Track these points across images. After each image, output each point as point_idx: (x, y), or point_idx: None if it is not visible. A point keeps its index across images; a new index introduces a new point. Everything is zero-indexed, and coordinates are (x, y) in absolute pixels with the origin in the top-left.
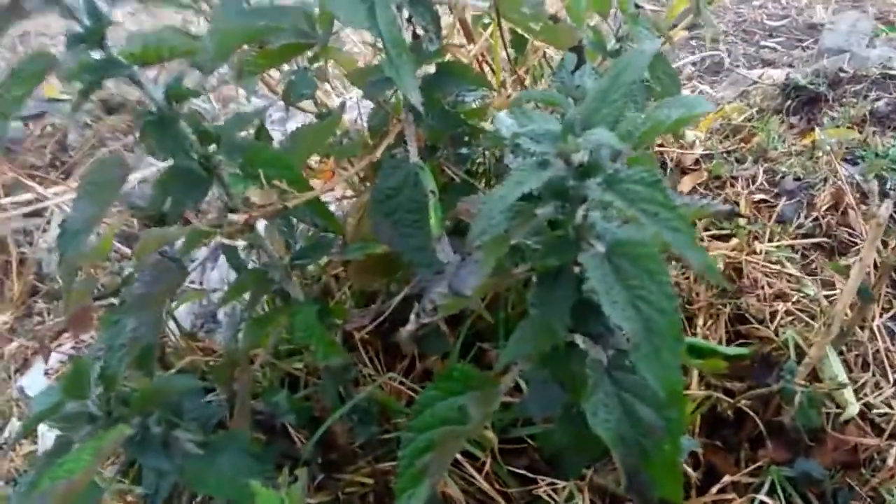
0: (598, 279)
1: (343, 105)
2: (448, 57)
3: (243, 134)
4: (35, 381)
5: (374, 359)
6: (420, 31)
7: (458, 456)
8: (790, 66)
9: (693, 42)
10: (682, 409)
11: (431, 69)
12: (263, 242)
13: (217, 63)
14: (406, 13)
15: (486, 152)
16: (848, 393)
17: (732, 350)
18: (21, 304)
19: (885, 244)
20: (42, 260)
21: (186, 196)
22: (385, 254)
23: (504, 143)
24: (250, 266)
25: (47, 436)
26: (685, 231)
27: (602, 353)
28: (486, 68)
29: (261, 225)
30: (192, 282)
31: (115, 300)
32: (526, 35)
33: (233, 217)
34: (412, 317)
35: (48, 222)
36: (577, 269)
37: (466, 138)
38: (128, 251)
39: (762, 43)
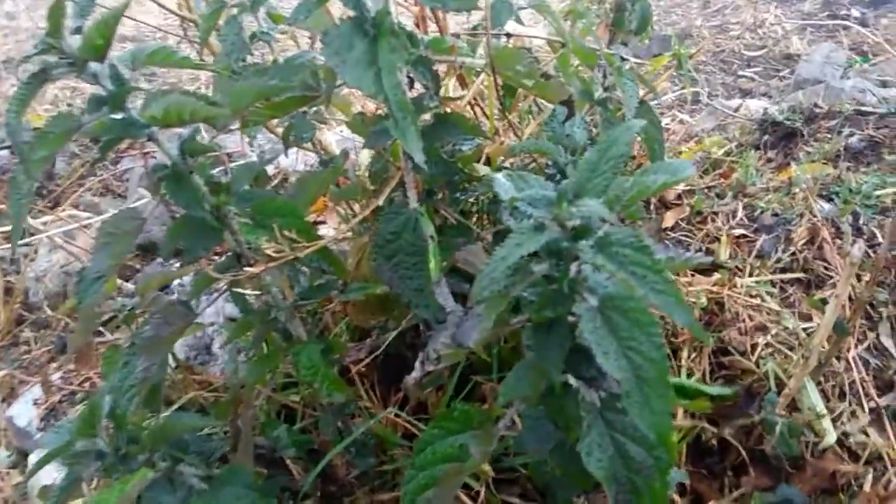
0: (590, 331)
1: (345, 154)
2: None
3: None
4: (23, 411)
5: (369, 391)
6: (420, 88)
7: None
8: (767, 95)
9: (672, 72)
10: (672, 449)
11: (428, 118)
12: (270, 287)
13: (231, 120)
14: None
15: (479, 195)
16: (826, 422)
17: (717, 389)
18: (7, 333)
19: (858, 278)
20: (29, 289)
21: (198, 244)
22: (383, 294)
23: (502, 204)
24: (254, 305)
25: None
26: (670, 293)
27: (595, 396)
28: (479, 112)
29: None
30: None
31: (111, 335)
32: (520, 89)
33: (249, 269)
34: (417, 365)
35: (36, 251)
36: (570, 318)
37: (461, 183)
38: (127, 285)
39: (740, 73)
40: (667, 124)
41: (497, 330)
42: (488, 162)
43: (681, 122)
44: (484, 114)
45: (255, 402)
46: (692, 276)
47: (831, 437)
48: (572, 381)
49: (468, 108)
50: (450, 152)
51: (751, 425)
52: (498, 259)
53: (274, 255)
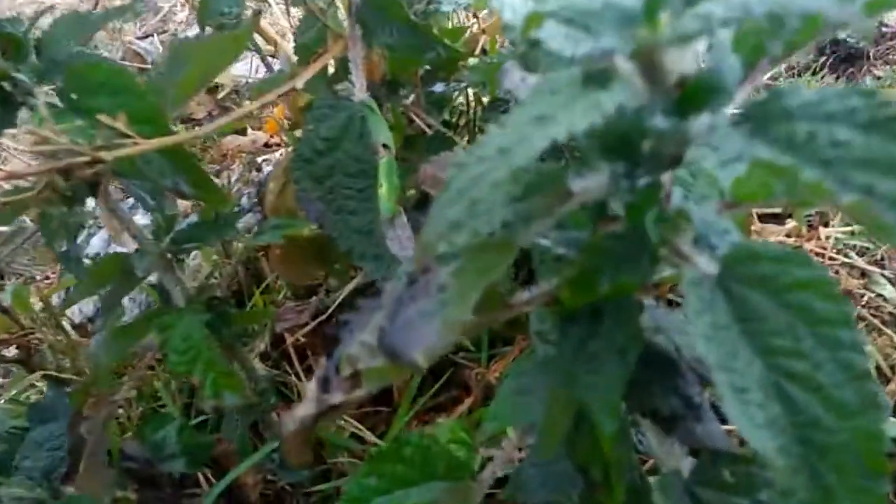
0: (705, 332)
1: (258, 14)
2: None
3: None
4: None
5: (312, 368)
6: None
7: None
8: None
9: None
10: None
11: None
12: (108, 218)
13: None
14: None
15: (472, 93)
16: None
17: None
18: None
19: None
20: None
21: None
22: (316, 236)
23: (513, 46)
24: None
25: None
26: None
27: (680, 456)
28: None
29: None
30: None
31: None
32: None
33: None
34: (310, 390)
35: None
36: (645, 300)
37: (443, 71)
38: None
39: None
40: None
41: (479, 322)
42: (484, 52)
43: None
44: None
45: (127, 387)
46: (760, 223)
47: None
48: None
49: None
50: (423, 14)
51: None
52: (487, 156)
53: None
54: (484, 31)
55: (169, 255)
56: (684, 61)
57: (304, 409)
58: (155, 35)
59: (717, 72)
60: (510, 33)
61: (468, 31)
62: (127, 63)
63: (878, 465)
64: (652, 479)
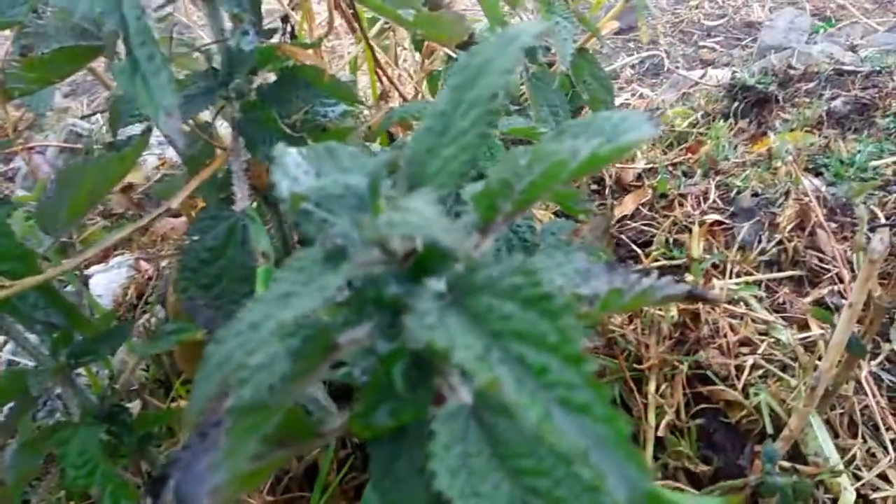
0: (453, 464)
1: (148, 131)
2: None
3: None
4: None
5: None
6: (248, 25)
7: None
8: (729, 65)
9: (630, 44)
10: None
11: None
12: (16, 335)
13: None
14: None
15: None
16: (843, 477)
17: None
18: None
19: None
20: None
21: None
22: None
23: (291, 209)
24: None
25: None
26: (597, 416)
27: None
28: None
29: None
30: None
31: None
32: (402, 27)
33: None
34: None
35: None
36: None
37: None
38: None
39: (700, 43)
40: (626, 100)
41: (289, 454)
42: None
43: (641, 96)
44: (388, 79)
45: (42, 495)
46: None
47: (850, 496)
48: None
49: (379, 74)
50: (301, 124)
51: (741, 485)
52: (241, 332)
53: None
54: (370, 128)
55: (66, 369)
56: (391, 234)
57: None
58: (99, 114)
59: (440, 242)
60: (284, 205)
61: (356, 132)
62: (68, 144)
63: None
64: None
